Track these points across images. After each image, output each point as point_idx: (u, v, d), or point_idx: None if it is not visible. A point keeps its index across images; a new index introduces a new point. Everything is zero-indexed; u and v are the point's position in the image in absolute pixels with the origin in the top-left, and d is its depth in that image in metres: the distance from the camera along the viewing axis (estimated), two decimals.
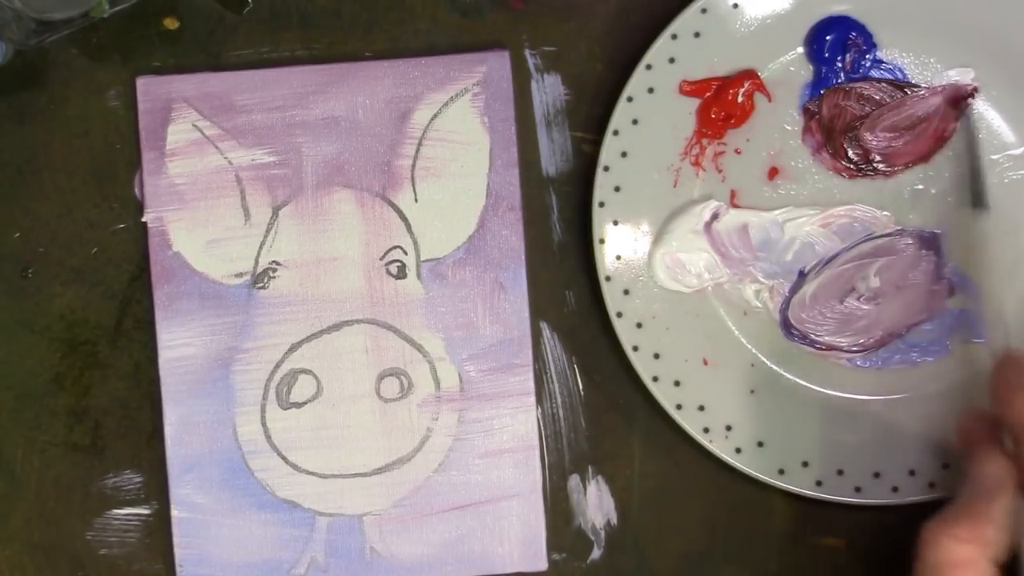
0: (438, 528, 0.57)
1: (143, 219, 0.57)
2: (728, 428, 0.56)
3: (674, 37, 0.55)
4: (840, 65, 0.56)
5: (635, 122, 0.56)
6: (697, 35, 0.56)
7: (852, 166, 0.57)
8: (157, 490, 0.57)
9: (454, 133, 0.57)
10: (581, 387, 0.58)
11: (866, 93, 0.57)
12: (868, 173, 0.57)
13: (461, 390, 0.57)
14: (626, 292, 0.56)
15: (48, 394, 0.57)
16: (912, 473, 0.55)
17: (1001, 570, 0.43)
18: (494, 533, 0.57)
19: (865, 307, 0.57)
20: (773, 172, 0.57)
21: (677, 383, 0.56)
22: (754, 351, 0.57)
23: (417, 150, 0.57)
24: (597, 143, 0.56)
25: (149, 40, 0.57)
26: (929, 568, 0.43)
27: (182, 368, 0.56)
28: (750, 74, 0.56)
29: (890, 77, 0.57)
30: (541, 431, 0.57)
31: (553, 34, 0.58)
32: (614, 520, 0.58)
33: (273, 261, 0.57)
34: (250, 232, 0.57)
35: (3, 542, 0.57)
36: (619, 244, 0.56)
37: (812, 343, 0.57)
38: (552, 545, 0.57)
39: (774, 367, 0.57)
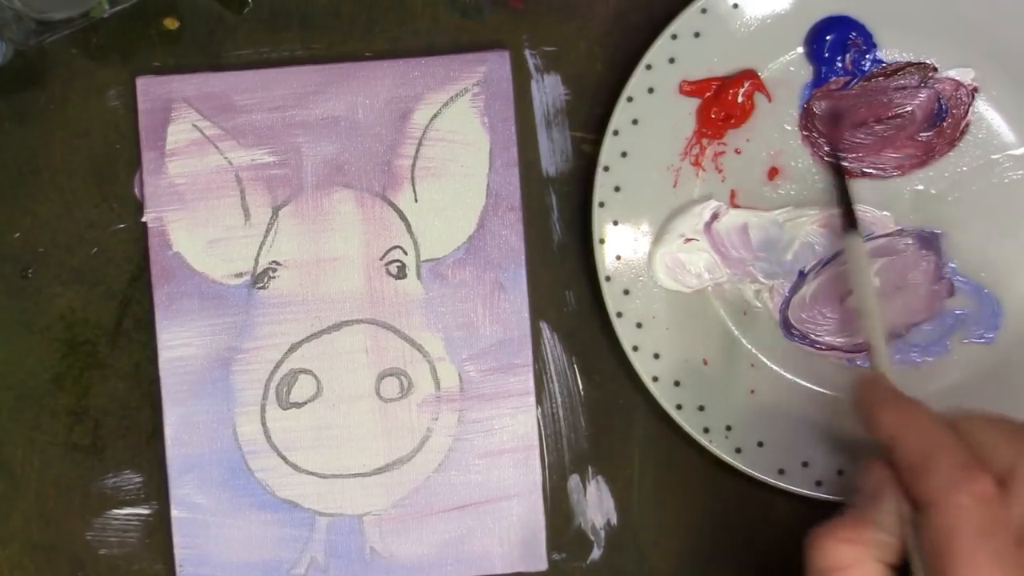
0: (438, 528, 0.57)
1: (143, 219, 0.57)
2: (728, 428, 0.56)
3: (674, 37, 0.55)
4: (840, 65, 0.56)
5: (635, 122, 0.56)
6: (697, 35, 0.56)
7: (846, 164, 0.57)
8: (157, 490, 0.57)
9: (454, 133, 0.57)
10: (581, 387, 0.58)
11: (854, 93, 0.57)
12: (863, 174, 0.57)
13: (461, 390, 0.57)
14: (626, 292, 0.56)
15: (48, 394, 0.57)
16: None
17: (897, 572, 0.44)
18: (494, 533, 0.57)
19: None
20: (773, 172, 0.57)
21: (677, 383, 0.56)
22: (754, 351, 0.57)
23: (417, 150, 0.57)
24: (597, 143, 0.56)
25: (149, 40, 0.57)
26: (815, 573, 0.44)
27: (182, 368, 0.56)
28: (750, 74, 0.56)
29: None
30: (541, 431, 0.57)
31: (553, 34, 0.58)
32: (614, 520, 0.58)
33: (273, 261, 0.57)
34: (250, 232, 0.57)
35: (3, 542, 0.57)
36: (619, 244, 0.56)
37: (812, 343, 0.57)
38: (552, 545, 0.57)
39: (774, 367, 0.57)
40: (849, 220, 0.55)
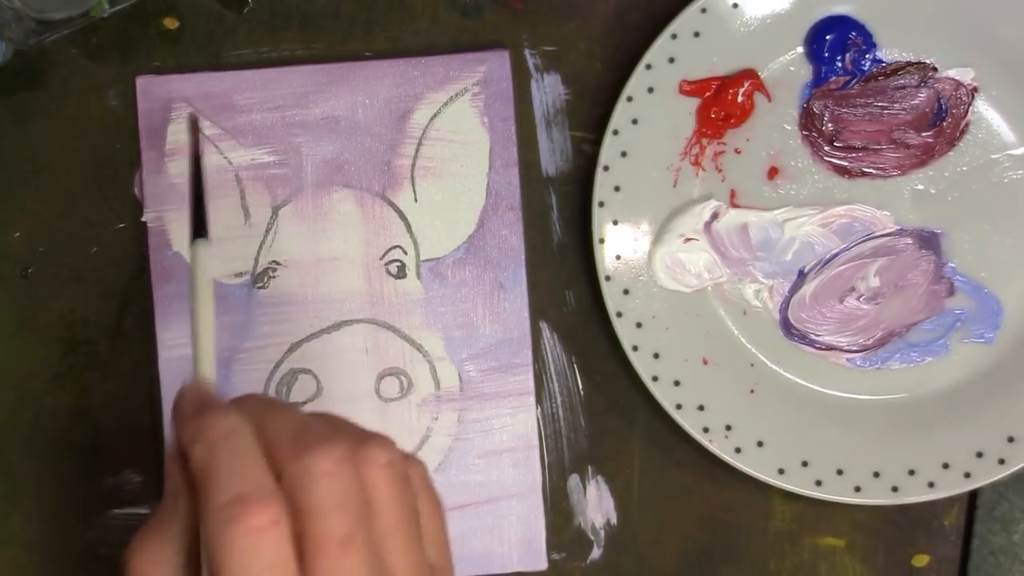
0: None
1: (143, 219, 0.57)
2: (728, 428, 0.56)
3: (674, 37, 0.55)
4: (840, 65, 0.56)
5: (635, 122, 0.56)
6: (697, 35, 0.56)
7: (845, 165, 0.57)
8: (157, 490, 0.57)
9: (454, 133, 0.57)
10: (581, 387, 0.58)
11: (853, 93, 0.57)
12: (863, 173, 0.57)
13: (461, 390, 0.57)
14: (626, 292, 0.56)
15: (48, 394, 0.57)
16: (912, 473, 0.55)
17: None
18: (494, 533, 0.57)
19: (865, 307, 0.57)
20: (773, 172, 0.57)
21: (677, 383, 0.56)
22: (754, 351, 0.57)
23: (417, 150, 0.57)
24: (597, 143, 0.56)
25: (149, 40, 0.57)
26: None
27: (182, 368, 0.56)
28: (750, 74, 0.56)
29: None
30: (541, 431, 0.57)
31: (553, 34, 0.58)
32: (614, 520, 0.58)
33: (273, 261, 0.57)
34: (250, 232, 0.57)
35: (3, 542, 0.57)
36: (619, 244, 0.56)
37: (812, 343, 0.57)
38: (552, 545, 0.57)
39: (774, 367, 0.57)
40: (198, 228, 0.46)
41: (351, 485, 0.37)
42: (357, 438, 0.38)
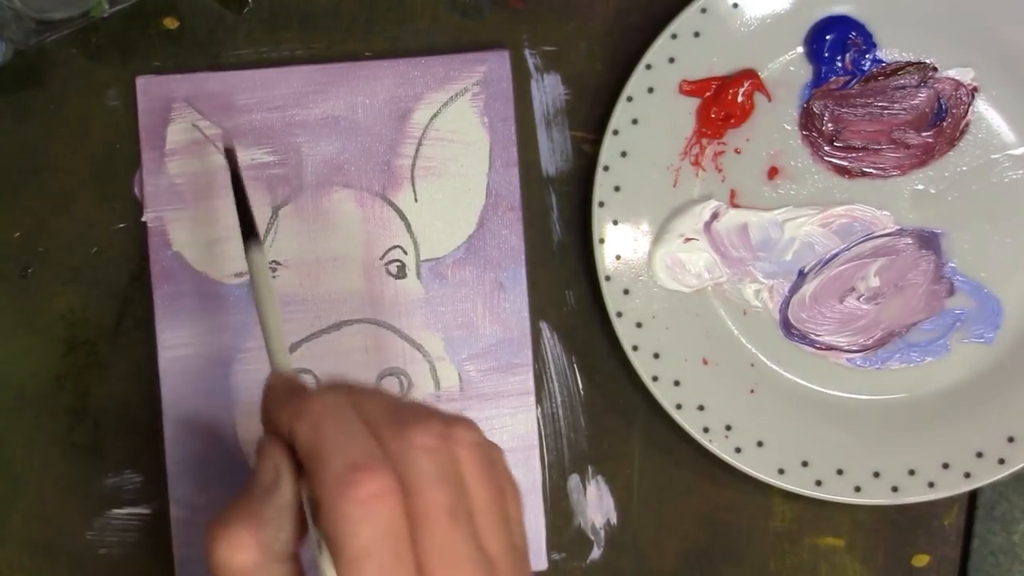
0: None
1: (143, 219, 0.57)
2: (728, 428, 0.56)
3: (674, 37, 0.55)
4: (840, 65, 0.56)
5: (635, 122, 0.56)
6: (697, 35, 0.56)
7: (845, 165, 0.57)
8: (157, 490, 0.57)
9: (454, 133, 0.57)
10: (581, 387, 0.58)
11: (853, 93, 0.57)
12: (863, 173, 0.57)
13: (461, 390, 0.57)
14: (626, 292, 0.56)
15: (48, 394, 0.57)
16: (912, 473, 0.55)
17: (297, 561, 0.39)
18: None
19: (865, 307, 0.57)
20: (773, 172, 0.57)
21: (677, 383, 0.56)
22: (754, 351, 0.57)
23: (417, 150, 0.57)
24: (597, 143, 0.56)
25: (149, 40, 0.58)
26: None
27: (182, 368, 0.56)
28: (750, 74, 0.56)
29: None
30: (541, 431, 0.57)
31: (553, 34, 0.58)
32: (614, 520, 0.58)
33: (273, 261, 0.57)
34: None
35: (3, 542, 0.57)
36: (619, 244, 0.56)
37: (812, 343, 0.57)
38: (552, 545, 0.57)
39: (774, 367, 0.57)
40: (248, 229, 0.48)
41: (450, 461, 0.37)
42: (446, 419, 0.39)
